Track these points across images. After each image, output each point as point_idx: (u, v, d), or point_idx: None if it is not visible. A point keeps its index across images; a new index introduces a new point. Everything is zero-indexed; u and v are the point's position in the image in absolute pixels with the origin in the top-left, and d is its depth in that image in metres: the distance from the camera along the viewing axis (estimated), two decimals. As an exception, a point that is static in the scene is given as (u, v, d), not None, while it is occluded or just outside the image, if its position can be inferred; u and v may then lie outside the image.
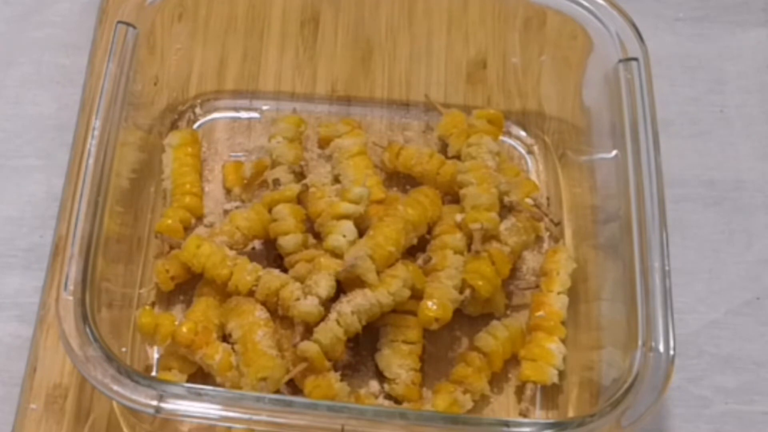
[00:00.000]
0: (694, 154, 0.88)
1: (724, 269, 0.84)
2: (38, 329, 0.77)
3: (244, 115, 0.88)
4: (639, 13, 0.79)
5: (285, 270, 0.75)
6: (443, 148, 0.84)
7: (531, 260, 0.81)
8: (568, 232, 0.82)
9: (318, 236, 0.77)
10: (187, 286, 0.78)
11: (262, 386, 0.71)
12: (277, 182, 0.79)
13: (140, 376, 0.64)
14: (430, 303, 0.73)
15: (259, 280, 0.74)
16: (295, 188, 0.78)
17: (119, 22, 0.75)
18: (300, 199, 0.78)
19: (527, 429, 0.65)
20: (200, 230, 0.81)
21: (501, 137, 0.86)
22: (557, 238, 0.82)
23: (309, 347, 0.71)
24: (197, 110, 0.87)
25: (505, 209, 0.79)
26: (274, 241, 0.77)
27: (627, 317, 0.69)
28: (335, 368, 0.73)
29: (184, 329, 0.73)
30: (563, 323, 0.77)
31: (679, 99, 0.91)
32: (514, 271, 0.79)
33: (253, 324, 0.73)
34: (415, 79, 0.89)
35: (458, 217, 0.78)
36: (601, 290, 0.76)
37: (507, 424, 0.66)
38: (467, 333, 0.78)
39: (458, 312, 0.75)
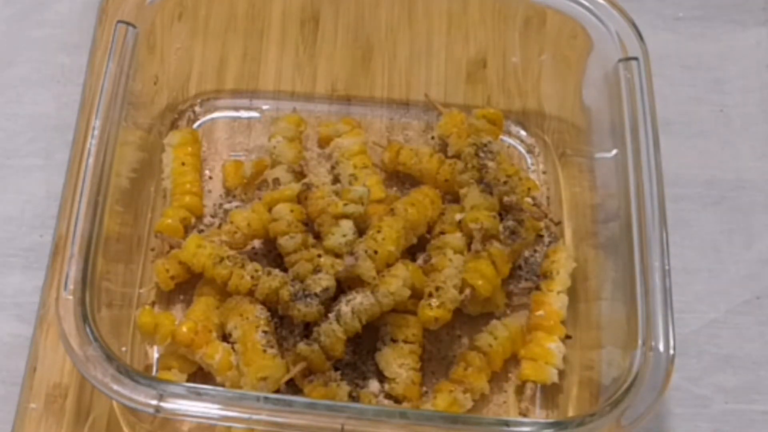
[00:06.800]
0: (694, 154, 0.88)
1: (724, 269, 0.84)
2: (38, 329, 0.77)
3: (244, 114, 0.88)
4: (639, 13, 0.79)
5: (285, 270, 0.75)
6: (443, 148, 0.84)
7: (531, 260, 0.81)
8: (568, 232, 0.82)
9: (318, 236, 0.77)
10: (187, 285, 0.78)
11: (262, 386, 0.71)
12: (276, 182, 0.79)
13: (140, 375, 0.64)
14: (430, 303, 0.74)
15: (258, 280, 0.74)
16: (295, 188, 0.78)
17: (119, 21, 0.76)
18: (300, 199, 0.78)
19: (527, 428, 0.65)
20: (200, 230, 0.81)
21: (501, 137, 0.86)
22: (557, 238, 0.82)
23: (308, 347, 0.71)
24: (197, 110, 0.87)
25: (505, 209, 0.79)
26: (274, 241, 0.77)
27: (627, 317, 0.69)
28: (335, 368, 0.73)
29: (184, 329, 0.73)
30: (563, 323, 0.77)
31: (679, 99, 0.91)
32: (514, 271, 0.79)
33: (253, 324, 0.73)
34: (415, 78, 0.89)
35: (458, 217, 0.78)
36: (601, 289, 0.76)
37: (507, 423, 0.66)
38: (467, 333, 0.78)
39: (458, 312, 0.75)
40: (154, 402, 0.63)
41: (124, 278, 0.76)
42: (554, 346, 0.76)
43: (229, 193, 0.83)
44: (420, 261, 0.77)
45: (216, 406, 0.64)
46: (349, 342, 0.73)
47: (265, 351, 0.72)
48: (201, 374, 0.74)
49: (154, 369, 0.75)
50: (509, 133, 0.87)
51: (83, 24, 0.91)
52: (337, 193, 0.77)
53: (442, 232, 0.78)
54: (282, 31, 0.90)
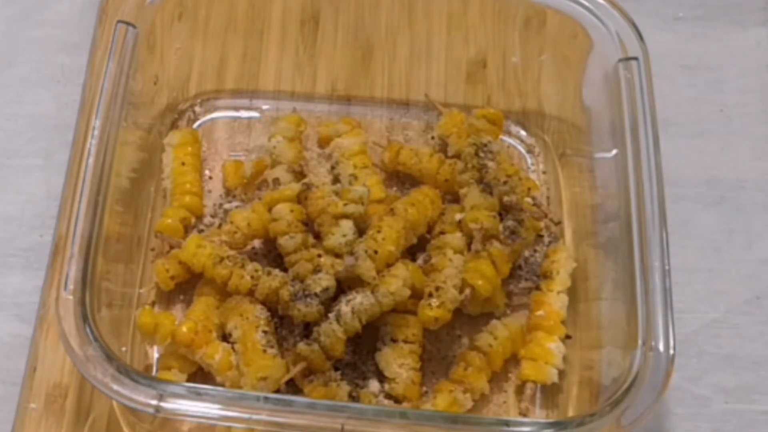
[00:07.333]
0: (694, 154, 0.88)
1: (724, 269, 0.84)
2: (38, 329, 0.77)
3: (244, 114, 0.88)
4: (639, 13, 0.79)
5: (285, 270, 0.75)
6: (443, 148, 0.84)
7: (531, 260, 0.81)
8: (568, 232, 0.82)
9: (318, 236, 0.77)
10: (187, 285, 0.78)
11: (261, 386, 0.71)
12: (276, 182, 0.79)
13: (140, 375, 0.64)
14: (430, 303, 0.74)
15: (258, 280, 0.74)
16: (295, 188, 0.78)
17: (119, 21, 0.76)
18: (300, 199, 0.78)
19: (527, 428, 0.65)
20: (200, 230, 0.81)
21: (501, 137, 0.86)
22: (557, 238, 0.82)
23: (308, 347, 0.71)
24: (197, 109, 0.87)
25: (505, 209, 0.79)
26: (274, 241, 0.77)
27: (627, 316, 0.69)
28: (335, 368, 0.73)
29: (184, 329, 0.73)
30: (563, 323, 0.77)
31: (679, 99, 0.91)
32: (514, 271, 0.79)
33: (253, 324, 0.73)
34: (415, 78, 0.89)
35: (458, 217, 0.78)
36: (601, 289, 0.76)
37: (507, 423, 0.66)
38: (467, 333, 0.78)
39: (458, 312, 0.75)
40: (154, 402, 0.63)
41: (124, 278, 0.76)
42: (554, 346, 0.76)
43: (229, 193, 0.83)
44: (420, 261, 0.77)
45: (216, 406, 0.64)
46: (349, 342, 0.73)
47: (265, 351, 0.72)
48: (201, 374, 0.74)
49: (154, 369, 0.75)
50: (509, 133, 0.87)
51: (83, 24, 0.91)
52: (337, 193, 0.77)
53: (442, 232, 0.78)
54: (282, 31, 0.90)
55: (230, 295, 0.75)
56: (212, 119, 0.87)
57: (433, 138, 0.87)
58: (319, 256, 0.74)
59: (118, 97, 0.73)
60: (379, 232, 0.75)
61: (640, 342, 0.67)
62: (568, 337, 0.77)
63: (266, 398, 0.65)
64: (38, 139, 0.86)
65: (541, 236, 0.82)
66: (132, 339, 0.75)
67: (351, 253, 0.74)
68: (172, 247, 0.78)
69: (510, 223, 0.78)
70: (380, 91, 0.89)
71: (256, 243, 0.79)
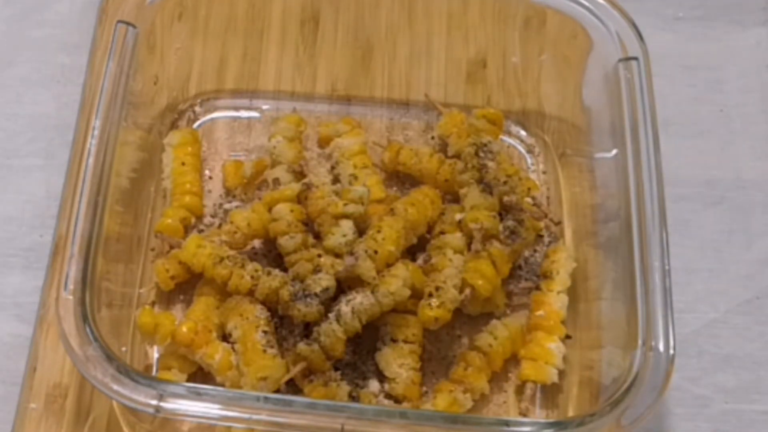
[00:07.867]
0: (694, 154, 0.89)
1: (724, 269, 0.84)
2: (38, 329, 0.77)
3: (244, 114, 0.88)
4: (639, 13, 0.79)
5: (285, 270, 0.75)
6: (443, 148, 0.84)
7: (531, 260, 0.81)
8: (568, 232, 0.82)
9: (318, 236, 0.77)
10: (187, 285, 0.78)
11: (261, 386, 0.71)
12: (276, 182, 0.79)
13: (140, 375, 0.64)
14: (430, 303, 0.74)
15: (258, 280, 0.74)
16: (295, 188, 0.78)
17: (119, 21, 0.76)
18: (300, 199, 0.78)
19: (527, 428, 0.65)
20: (200, 230, 0.81)
21: (501, 137, 0.86)
22: (557, 238, 0.82)
23: (308, 347, 0.71)
24: (197, 109, 0.87)
25: (505, 209, 0.79)
26: (274, 241, 0.77)
27: (627, 316, 0.69)
28: (335, 368, 0.73)
29: (184, 329, 0.73)
30: (563, 323, 0.77)
31: (679, 98, 0.91)
32: (514, 271, 0.79)
33: (253, 324, 0.73)
34: (415, 78, 0.89)
35: (458, 217, 0.78)
36: (601, 289, 0.76)
37: (507, 423, 0.66)
38: (467, 333, 0.78)
39: (458, 311, 0.75)
40: (154, 402, 0.63)
41: (124, 278, 0.76)
42: (554, 346, 0.76)
43: (229, 193, 0.83)
44: (420, 261, 0.77)
45: (216, 406, 0.64)
46: (349, 342, 0.73)
47: (265, 351, 0.72)
48: (201, 374, 0.74)
49: (154, 369, 0.75)
50: (509, 133, 0.87)
51: (83, 24, 0.91)
52: (337, 193, 0.77)
53: (442, 232, 0.78)
54: (282, 31, 0.90)
55: (230, 295, 0.75)
56: (212, 119, 0.87)
57: (433, 138, 0.87)
58: (319, 256, 0.74)
59: (118, 97, 0.73)
60: (379, 232, 0.75)
61: (640, 342, 0.67)
62: (568, 337, 0.77)
63: (266, 398, 0.65)
64: (38, 139, 0.86)
65: (541, 236, 0.82)
66: (132, 339, 0.75)
67: (351, 253, 0.74)
68: (172, 247, 0.78)
69: (510, 223, 0.78)
70: (380, 91, 0.89)
71: (256, 243, 0.79)
